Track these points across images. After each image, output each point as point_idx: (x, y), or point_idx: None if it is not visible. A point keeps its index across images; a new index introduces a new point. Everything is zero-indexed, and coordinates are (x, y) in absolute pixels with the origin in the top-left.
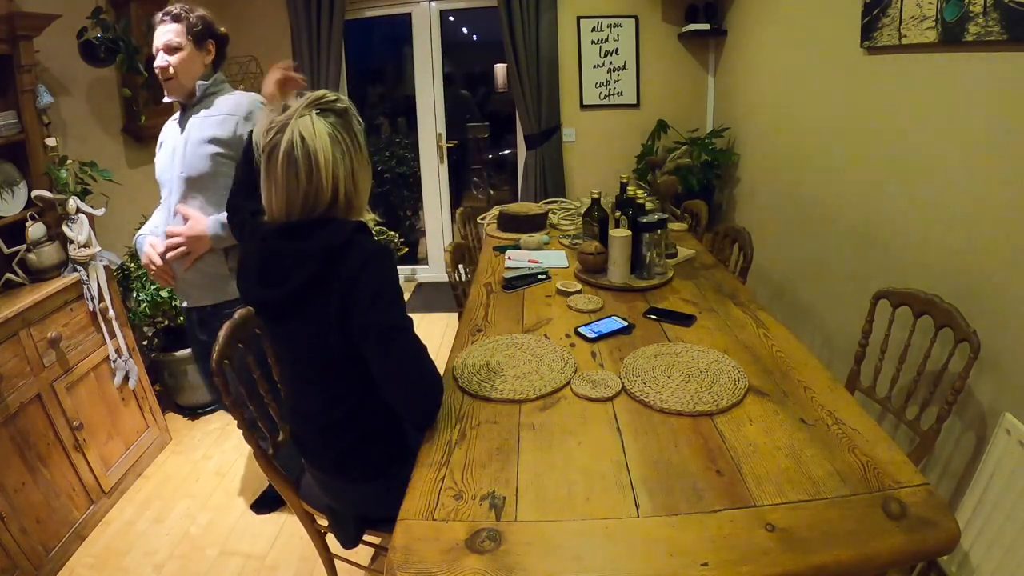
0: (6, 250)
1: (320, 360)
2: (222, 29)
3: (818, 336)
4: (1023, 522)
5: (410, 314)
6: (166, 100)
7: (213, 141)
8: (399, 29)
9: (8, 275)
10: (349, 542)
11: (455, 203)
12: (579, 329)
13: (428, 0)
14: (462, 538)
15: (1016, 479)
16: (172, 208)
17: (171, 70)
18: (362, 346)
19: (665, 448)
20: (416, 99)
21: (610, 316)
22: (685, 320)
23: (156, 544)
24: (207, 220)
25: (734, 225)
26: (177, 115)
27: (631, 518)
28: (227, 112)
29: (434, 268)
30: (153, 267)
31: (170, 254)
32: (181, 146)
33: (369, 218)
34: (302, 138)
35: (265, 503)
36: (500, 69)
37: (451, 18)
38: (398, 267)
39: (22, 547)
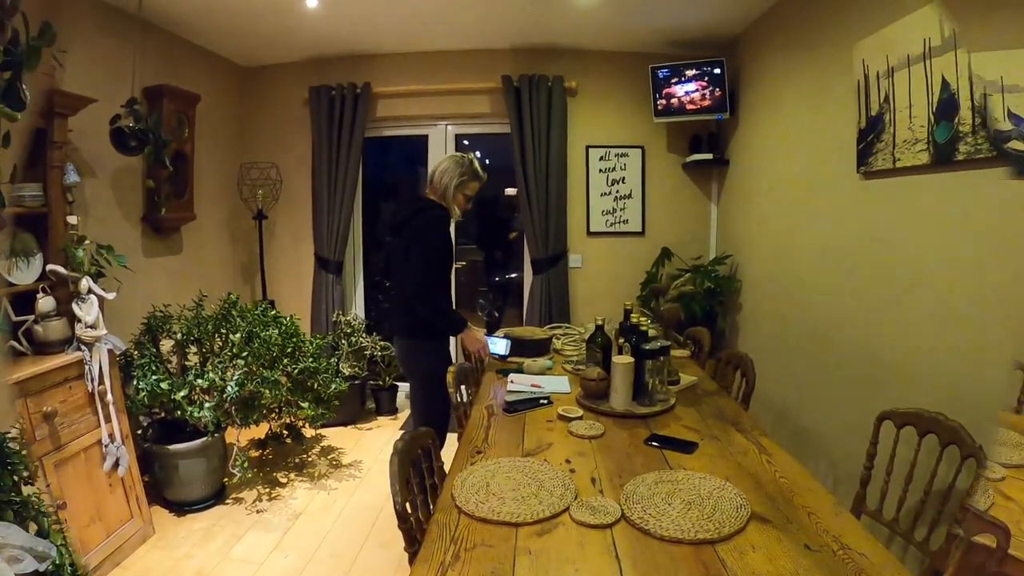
0: (14, 317)
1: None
2: None
3: (823, 460)
4: None
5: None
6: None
7: None
8: (415, 149)
9: (12, 343)
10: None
11: None
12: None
13: (445, 124)
14: None
15: None
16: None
17: None
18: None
19: None
20: None
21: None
22: (687, 447)
23: None
24: None
25: (736, 351)
26: None
27: None
28: None
29: None
30: None
31: None
32: None
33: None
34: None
35: None
36: (510, 193)
37: (465, 142)
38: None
39: None
